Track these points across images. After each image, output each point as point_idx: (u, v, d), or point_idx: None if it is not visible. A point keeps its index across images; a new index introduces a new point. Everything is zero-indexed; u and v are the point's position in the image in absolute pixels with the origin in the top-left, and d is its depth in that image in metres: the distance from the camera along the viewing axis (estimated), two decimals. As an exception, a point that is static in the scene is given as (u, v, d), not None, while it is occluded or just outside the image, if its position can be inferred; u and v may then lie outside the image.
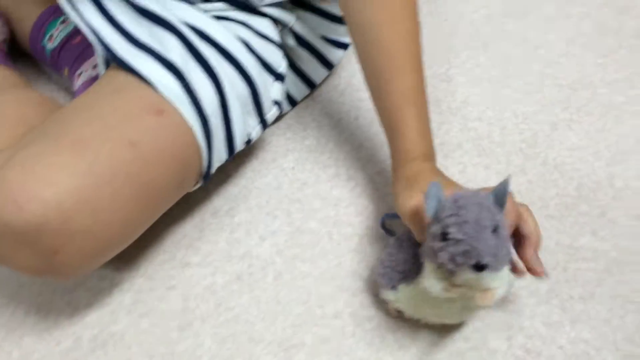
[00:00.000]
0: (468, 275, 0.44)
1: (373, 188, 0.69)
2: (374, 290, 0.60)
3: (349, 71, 0.82)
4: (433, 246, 0.46)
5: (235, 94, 0.59)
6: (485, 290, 0.46)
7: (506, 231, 0.46)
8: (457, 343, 0.56)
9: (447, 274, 0.46)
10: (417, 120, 0.56)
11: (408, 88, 0.56)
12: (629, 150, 0.72)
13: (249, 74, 0.61)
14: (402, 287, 0.52)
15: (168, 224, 0.65)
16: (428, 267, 0.48)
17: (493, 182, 0.61)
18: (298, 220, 0.66)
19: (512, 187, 0.67)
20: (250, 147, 0.73)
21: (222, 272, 0.62)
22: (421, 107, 0.57)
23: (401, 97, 0.56)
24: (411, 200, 0.51)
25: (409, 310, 0.54)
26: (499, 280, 0.46)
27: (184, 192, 0.60)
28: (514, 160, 0.71)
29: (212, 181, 0.69)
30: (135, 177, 0.51)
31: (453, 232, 0.44)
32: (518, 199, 0.66)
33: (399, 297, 0.53)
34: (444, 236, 0.45)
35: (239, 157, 0.72)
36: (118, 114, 0.52)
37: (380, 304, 0.58)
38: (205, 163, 0.58)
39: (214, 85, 0.57)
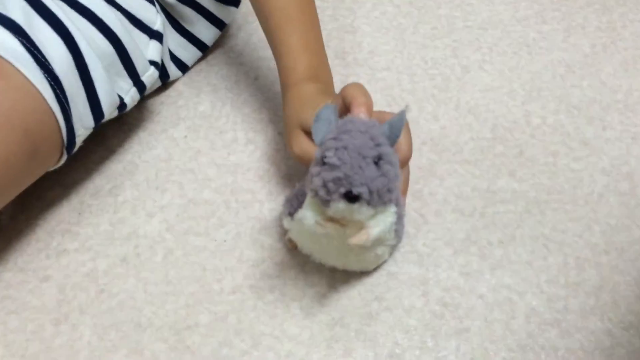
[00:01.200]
0: (340, 206, 0.40)
1: (274, 149, 0.62)
2: (277, 257, 0.53)
3: (247, 30, 0.76)
4: (311, 171, 0.41)
5: (94, 51, 0.52)
6: (359, 226, 0.41)
7: (393, 167, 0.41)
8: (369, 305, 0.50)
9: (322, 205, 0.41)
10: (300, 37, 0.54)
11: (290, 6, 0.55)
12: (545, 87, 0.67)
13: (113, 30, 0.54)
14: (296, 215, 0.47)
15: (41, 210, 0.58)
16: (307, 197, 0.43)
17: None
18: (191, 191, 0.59)
19: (426, 134, 0.63)
20: (136, 119, 0.65)
21: (104, 256, 0.54)
22: (307, 25, 0.55)
23: (283, 15, 0.54)
24: (299, 143, 0.47)
25: (298, 242, 0.50)
26: (376, 219, 0.42)
27: (44, 167, 0.52)
28: (426, 107, 0.66)
29: (92, 159, 0.62)
30: None
31: (330, 156, 0.39)
32: (431, 145, 0.61)
33: (292, 226, 0.48)
34: (322, 161, 0.40)
35: (124, 130, 0.64)
36: None
37: (283, 271, 0.52)
38: (64, 131, 0.50)
39: (64, 41, 0.50)
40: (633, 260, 0.53)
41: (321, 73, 0.56)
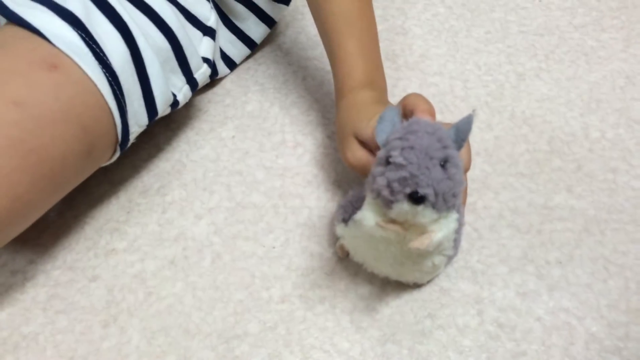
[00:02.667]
0: (404, 207, 0.38)
1: (323, 154, 0.61)
2: (327, 267, 0.52)
3: (295, 28, 0.74)
4: (374, 172, 0.40)
5: (151, 47, 0.51)
6: (420, 231, 0.40)
7: (459, 172, 0.40)
8: (422, 322, 0.49)
9: (384, 207, 0.40)
10: (357, 42, 0.53)
11: (349, 10, 0.53)
12: (604, 99, 0.65)
13: (169, 26, 0.53)
14: (351, 222, 0.46)
15: (89, 207, 0.57)
16: (367, 199, 0.42)
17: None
18: (239, 194, 0.58)
19: (479, 144, 0.61)
20: (184, 117, 0.64)
21: (152, 257, 0.54)
22: (364, 31, 0.54)
23: (340, 18, 0.53)
24: (353, 151, 0.47)
25: (351, 249, 0.49)
26: (439, 224, 0.41)
27: (97, 164, 0.51)
28: (480, 116, 0.64)
29: (141, 157, 0.61)
30: (19, 142, 0.42)
31: (395, 155, 0.38)
32: (484, 157, 0.59)
33: (346, 233, 0.47)
34: (387, 160, 0.39)
35: (172, 129, 0.64)
36: (0, 71, 0.44)
37: (334, 282, 0.51)
38: (119, 127, 0.49)
39: (122, 36, 0.49)
40: (696, 287, 0.51)
41: (377, 80, 0.55)
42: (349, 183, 0.58)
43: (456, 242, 0.46)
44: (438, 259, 0.46)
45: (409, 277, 0.49)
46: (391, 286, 0.51)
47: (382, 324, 0.49)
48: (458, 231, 0.45)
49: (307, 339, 0.49)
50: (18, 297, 0.52)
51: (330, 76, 0.68)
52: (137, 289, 0.52)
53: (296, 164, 0.60)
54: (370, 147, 0.48)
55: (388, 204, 0.39)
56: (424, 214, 0.39)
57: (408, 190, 0.38)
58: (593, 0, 0.76)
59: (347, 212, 0.48)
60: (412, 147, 0.39)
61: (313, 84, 0.68)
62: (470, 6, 0.76)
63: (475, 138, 0.62)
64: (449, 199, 0.40)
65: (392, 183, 0.39)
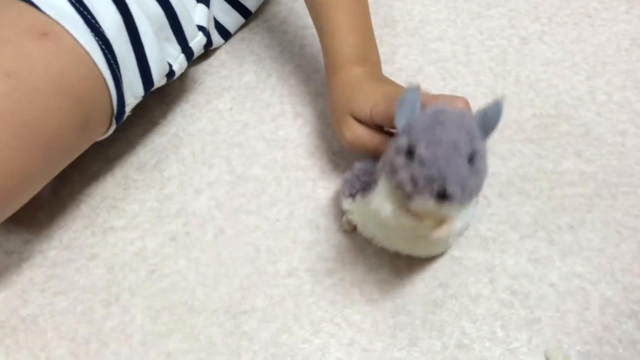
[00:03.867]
0: (427, 202, 0.36)
1: (324, 124, 0.59)
2: (333, 240, 0.51)
3: (290, -4, 0.72)
4: (394, 162, 0.37)
5: (145, 14, 0.48)
6: (442, 221, 0.38)
7: (485, 163, 0.38)
8: (434, 292, 0.48)
9: (403, 197, 0.37)
10: (347, 15, 0.50)
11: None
12: (609, 61, 0.64)
13: None
14: (359, 197, 0.45)
15: (84, 184, 0.55)
16: (382, 185, 0.40)
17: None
18: (239, 167, 0.56)
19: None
20: (179, 90, 0.62)
21: (153, 234, 0.52)
22: (353, 3, 0.51)
23: (333, 1, 0.51)
24: (352, 129, 0.46)
25: (359, 225, 0.47)
26: (460, 215, 0.39)
27: (93, 138, 0.49)
28: (483, 81, 0.62)
29: (135, 132, 0.59)
30: (10, 115, 0.40)
31: (421, 150, 0.35)
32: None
33: (354, 208, 0.46)
34: (409, 153, 0.36)
35: (166, 102, 0.61)
36: None
37: (341, 254, 0.50)
38: (114, 99, 0.47)
39: (115, 2, 0.46)
40: None
41: (369, 54, 0.52)
42: (353, 154, 0.57)
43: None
44: (453, 237, 0.45)
45: (421, 252, 0.48)
46: (401, 256, 0.49)
47: (393, 295, 0.48)
48: (473, 207, 0.44)
49: (317, 312, 0.47)
50: (14, 279, 0.50)
51: (329, 44, 0.66)
52: (138, 267, 0.50)
53: (297, 135, 0.59)
54: (368, 125, 0.47)
55: (410, 197, 0.37)
56: (449, 209, 0.37)
57: (435, 188, 0.36)
58: (594, -39, 0.74)
59: (354, 186, 0.46)
60: (439, 142, 0.36)
61: (311, 53, 0.66)
62: (469, -30, 0.74)
63: (480, 105, 0.60)
64: (475, 194, 0.38)
65: (418, 179, 0.36)
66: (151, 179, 0.56)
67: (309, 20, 0.68)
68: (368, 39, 0.53)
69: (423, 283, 0.48)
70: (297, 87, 0.63)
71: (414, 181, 0.36)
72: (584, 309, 0.46)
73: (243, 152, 0.57)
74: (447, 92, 0.61)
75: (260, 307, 0.48)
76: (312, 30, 0.67)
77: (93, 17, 0.44)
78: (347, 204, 0.47)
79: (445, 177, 0.35)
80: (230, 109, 0.61)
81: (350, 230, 0.51)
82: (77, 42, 0.43)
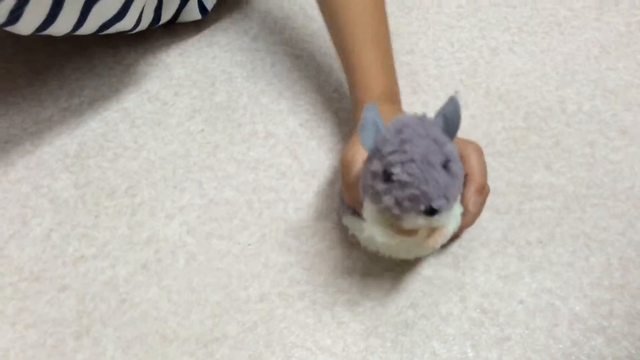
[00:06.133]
0: (416, 220, 0.37)
1: (296, 143, 0.59)
2: (305, 262, 0.51)
3: (261, 12, 0.72)
4: (374, 187, 0.38)
5: None
6: (434, 229, 0.39)
7: (458, 165, 0.38)
8: (404, 312, 0.48)
9: (393, 218, 0.39)
10: (377, 54, 0.52)
11: (368, 18, 0.53)
12: (579, 70, 0.64)
13: None
14: (363, 229, 0.45)
15: (55, 213, 0.55)
16: (368, 208, 0.40)
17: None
18: (211, 190, 0.56)
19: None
20: (150, 112, 0.62)
21: (124, 262, 0.52)
22: (383, 41, 0.53)
23: (359, 27, 0.52)
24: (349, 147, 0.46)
25: (362, 240, 0.48)
26: (449, 219, 0.40)
27: None
28: (454, 95, 0.62)
29: (106, 157, 0.59)
30: None
31: (397, 172, 0.36)
32: (460, 136, 0.58)
33: (355, 226, 0.46)
34: (387, 176, 0.37)
35: (137, 125, 0.61)
36: None
37: (313, 276, 0.50)
38: None
39: None
40: (679, 259, 0.50)
41: (396, 92, 0.53)
42: (323, 172, 0.57)
43: None
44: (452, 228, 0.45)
45: (425, 252, 0.49)
46: (372, 277, 0.50)
47: (364, 318, 0.48)
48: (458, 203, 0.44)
49: (289, 337, 0.47)
50: (-15, 313, 0.50)
51: (300, 60, 0.66)
52: (109, 296, 0.50)
53: (269, 155, 0.59)
54: None
55: (399, 218, 0.38)
56: (439, 219, 0.38)
57: (422, 207, 0.36)
58: (564, -33, 0.74)
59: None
60: (412, 160, 0.36)
61: (282, 70, 0.66)
62: (439, -20, 0.74)
63: (450, 118, 0.60)
64: (457, 196, 0.39)
65: (402, 201, 0.37)
66: (122, 205, 0.55)
67: (280, 37, 0.69)
68: (394, 77, 0.54)
69: (394, 304, 0.48)
70: (268, 106, 0.63)
71: (399, 204, 0.37)
72: (553, 325, 0.47)
73: (214, 174, 0.57)
74: (418, 106, 0.61)
75: (231, 335, 0.48)
76: (284, 47, 0.68)
77: None
78: (346, 220, 0.48)
79: (428, 193, 0.36)
80: (202, 130, 0.61)
81: (356, 245, 0.50)
82: None
